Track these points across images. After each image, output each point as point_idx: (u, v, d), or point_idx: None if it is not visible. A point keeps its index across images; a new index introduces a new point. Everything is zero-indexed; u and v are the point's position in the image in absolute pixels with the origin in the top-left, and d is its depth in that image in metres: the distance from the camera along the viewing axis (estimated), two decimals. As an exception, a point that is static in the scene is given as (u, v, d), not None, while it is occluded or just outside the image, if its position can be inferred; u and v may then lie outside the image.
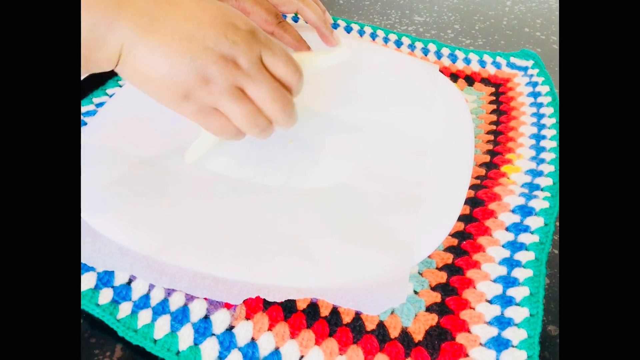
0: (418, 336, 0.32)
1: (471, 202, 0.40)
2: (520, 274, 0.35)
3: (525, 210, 0.39)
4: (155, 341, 0.32)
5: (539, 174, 0.43)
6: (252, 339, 0.32)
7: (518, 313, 0.33)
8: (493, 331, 0.32)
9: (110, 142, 0.42)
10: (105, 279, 0.35)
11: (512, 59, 0.56)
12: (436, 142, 0.43)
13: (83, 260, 0.34)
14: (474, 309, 0.34)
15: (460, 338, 0.32)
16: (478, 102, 0.51)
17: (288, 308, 0.33)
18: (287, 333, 0.32)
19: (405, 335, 0.32)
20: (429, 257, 0.36)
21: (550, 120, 0.48)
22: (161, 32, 0.30)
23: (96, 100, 0.50)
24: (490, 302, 0.34)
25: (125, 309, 0.33)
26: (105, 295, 0.34)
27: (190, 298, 0.34)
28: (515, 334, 0.32)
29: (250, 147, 0.43)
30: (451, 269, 0.36)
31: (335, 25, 0.61)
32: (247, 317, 0.33)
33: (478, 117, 0.49)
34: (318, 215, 0.38)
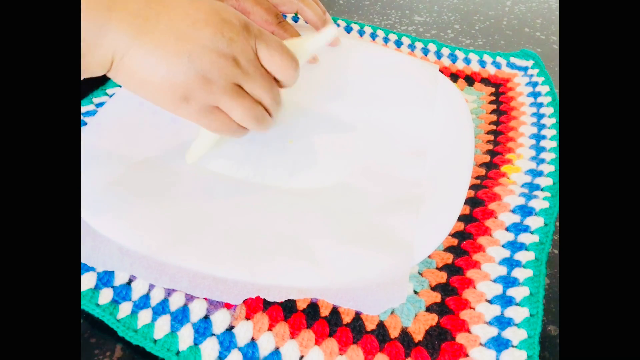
0: (418, 336, 0.32)
1: (471, 202, 0.40)
2: (520, 274, 0.35)
3: (525, 210, 0.39)
4: (155, 341, 0.32)
5: (539, 174, 0.43)
6: (252, 339, 0.32)
7: (518, 313, 0.33)
8: (493, 331, 0.32)
9: (110, 142, 0.42)
10: (105, 279, 0.35)
11: (512, 59, 0.56)
12: (436, 142, 0.43)
13: (83, 260, 0.34)
14: (474, 309, 0.34)
15: (460, 338, 0.32)
16: (478, 102, 0.51)
17: (288, 308, 0.33)
18: (287, 333, 0.32)
19: (405, 335, 0.32)
20: (429, 257, 0.36)
21: (550, 120, 0.48)
22: (155, 33, 0.30)
23: (96, 100, 0.50)
24: (490, 302, 0.34)
25: (125, 309, 0.33)
26: (105, 295, 0.34)
27: (190, 298, 0.34)
28: (515, 334, 0.32)
29: (250, 147, 0.43)
30: (451, 269, 0.36)
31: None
32: (247, 317, 0.33)
33: (478, 117, 0.49)
34: (318, 215, 0.38)
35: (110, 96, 0.49)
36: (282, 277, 0.33)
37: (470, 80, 0.54)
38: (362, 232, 0.36)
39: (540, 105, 0.50)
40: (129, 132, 0.43)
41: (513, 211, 0.40)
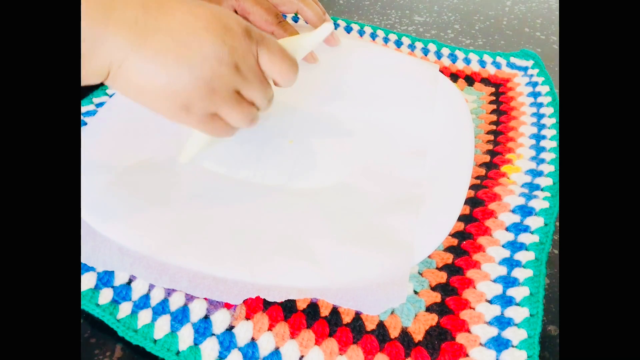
0: (418, 336, 0.32)
1: (471, 202, 0.40)
2: (520, 274, 0.35)
3: (525, 210, 0.39)
4: (155, 341, 0.32)
5: (539, 174, 0.43)
6: (252, 339, 0.32)
7: (518, 313, 0.33)
8: (493, 331, 0.32)
9: (110, 141, 0.42)
10: (105, 279, 0.35)
11: (512, 59, 0.56)
12: (436, 142, 0.43)
13: (83, 260, 0.34)
14: (474, 309, 0.34)
15: (460, 338, 0.32)
16: (478, 102, 0.51)
17: (288, 308, 0.33)
18: (287, 333, 0.32)
19: (405, 335, 0.32)
20: (429, 257, 0.36)
21: (550, 120, 0.48)
22: (154, 41, 0.29)
23: (96, 100, 0.50)
24: (490, 302, 0.34)
25: (125, 309, 0.33)
26: (105, 295, 0.34)
27: (190, 298, 0.34)
28: (515, 334, 0.32)
29: (250, 148, 0.43)
30: (451, 269, 0.36)
31: (335, 25, 0.61)
32: (247, 317, 0.33)
33: (478, 117, 0.49)
34: (318, 215, 0.38)
35: (110, 96, 0.49)
36: (282, 277, 0.33)
37: (470, 80, 0.54)
38: (362, 232, 0.36)
39: (540, 105, 0.50)
40: (129, 132, 0.43)
41: (513, 211, 0.40)
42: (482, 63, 0.56)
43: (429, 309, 0.34)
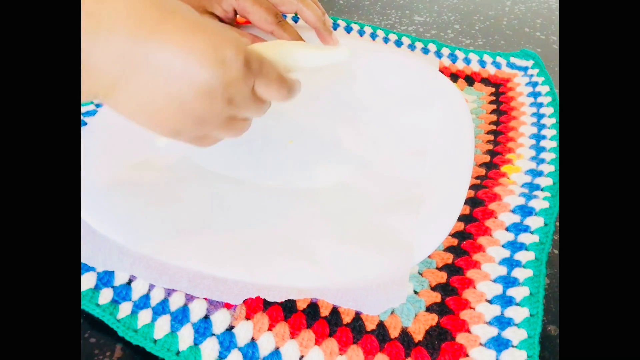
0: (418, 336, 0.32)
1: (471, 202, 0.40)
2: (520, 274, 0.35)
3: (525, 210, 0.39)
4: (155, 341, 0.32)
5: (539, 174, 0.43)
6: (252, 339, 0.32)
7: (518, 313, 0.33)
8: (493, 331, 0.32)
9: (110, 142, 0.42)
10: (105, 279, 0.35)
11: (512, 59, 0.56)
12: (436, 142, 0.43)
13: (83, 260, 0.34)
14: (474, 309, 0.34)
15: (460, 338, 0.32)
16: (478, 102, 0.51)
17: (288, 308, 0.33)
18: (287, 333, 0.32)
19: (405, 335, 0.32)
20: (429, 257, 0.36)
21: (550, 120, 0.48)
22: (142, 77, 0.26)
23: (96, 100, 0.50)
24: (490, 302, 0.34)
25: (125, 309, 0.33)
26: (105, 295, 0.34)
27: (190, 298, 0.34)
28: (515, 334, 0.32)
29: (250, 148, 0.43)
30: (451, 269, 0.36)
31: (335, 25, 0.61)
32: (247, 317, 0.33)
33: (478, 117, 0.49)
34: (318, 215, 0.38)
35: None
36: (282, 277, 0.33)
37: (470, 80, 0.54)
38: (362, 232, 0.36)
39: (540, 105, 0.50)
40: (128, 132, 0.43)
41: (513, 211, 0.40)
42: (482, 63, 0.56)
43: (429, 309, 0.34)
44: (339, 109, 0.47)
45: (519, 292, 0.34)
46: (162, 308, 0.33)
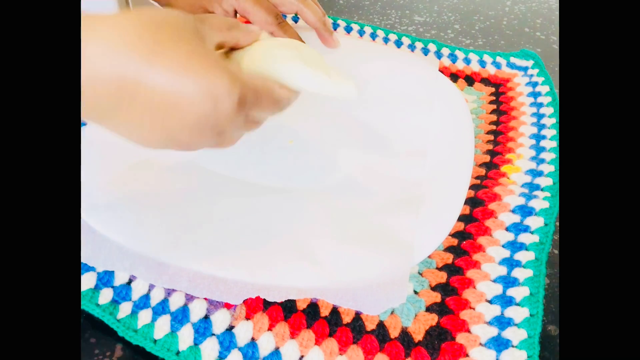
0: (418, 336, 0.32)
1: (471, 202, 0.40)
2: (520, 274, 0.35)
3: (525, 210, 0.39)
4: (155, 341, 0.32)
5: (539, 174, 0.43)
6: (252, 339, 0.32)
7: (518, 313, 0.33)
8: (493, 331, 0.32)
9: (110, 142, 0.42)
10: (105, 279, 0.35)
11: (512, 59, 0.56)
12: (436, 142, 0.43)
13: (83, 260, 0.34)
14: (474, 309, 0.34)
15: (460, 338, 0.32)
16: (478, 102, 0.51)
17: (288, 308, 0.33)
18: (287, 333, 0.32)
19: (405, 335, 0.32)
20: (429, 257, 0.36)
21: (550, 120, 0.48)
22: (131, 109, 0.26)
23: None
24: (490, 302, 0.34)
25: (125, 309, 0.33)
26: (105, 295, 0.34)
27: (190, 298, 0.34)
28: (515, 334, 0.32)
29: (250, 148, 0.43)
30: (451, 269, 0.36)
31: (335, 25, 0.61)
32: (247, 317, 0.33)
33: (478, 117, 0.49)
34: (318, 216, 0.38)
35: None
36: (282, 277, 0.33)
37: (470, 80, 0.54)
38: (362, 232, 0.36)
39: (540, 105, 0.50)
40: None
41: (513, 211, 0.40)
42: (482, 63, 0.56)
43: (429, 309, 0.34)
44: (339, 109, 0.47)
45: (519, 292, 0.34)
46: (162, 308, 0.33)
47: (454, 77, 0.55)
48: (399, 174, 0.41)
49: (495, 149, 0.45)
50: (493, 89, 0.53)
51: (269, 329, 0.32)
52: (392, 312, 0.33)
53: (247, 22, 0.51)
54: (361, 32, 0.60)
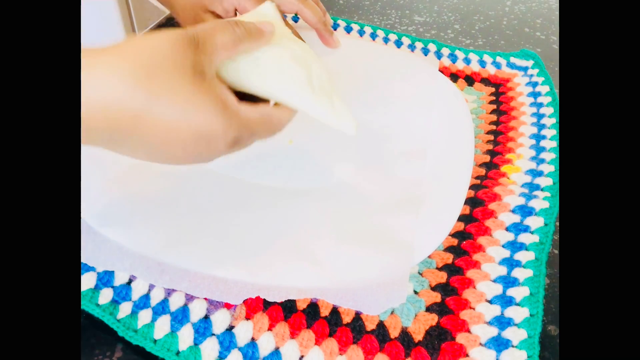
0: (418, 336, 0.32)
1: (471, 202, 0.40)
2: (520, 274, 0.35)
3: (525, 210, 0.39)
4: (155, 341, 0.32)
5: (539, 174, 0.43)
6: (252, 339, 0.32)
7: (518, 313, 0.33)
8: (493, 331, 0.32)
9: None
10: (105, 279, 0.35)
11: (512, 59, 0.56)
12: (436, 142, 0.43)
13: (83, 260, 0.34)
14: (474, 309, 0.34)
15: (460, 338, 0.32)
16: (478, 102, 0.51)
17: (288, 308, 0.33)
18: (287, 333, 0.32)
19: (405, 335, 0.32)
20: (429, 257, 0.36)
21: (550, 120, 0.48)
22: (129, 143, 0.27)
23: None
24: (490, 302, 0.34)
25: (125, 309, 0.33)
26: (105, 295, 0.34)
27: (190, 298, 0.34)
28: (515, 334, 0.32)
29: (250, 148, 0.43)
30: (451, 269, 0.36)
31: (335, 25, 0.61)
32: (247, 317, 0.33)
33: (478, 117, 0.49)
34: (318, 215, 0.38)
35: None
36: (282, 277, 0.33)
37: (470, 80, 0.54)
38: (362, 232, 0.36)
39: (540, 105, 0.50)
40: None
41: (513, 211, 0.40)
42: (482, 63, 0.56)
43: (429, 309, 0.34)
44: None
45: (519, 292, 0.34)
46: (162, 308, 0.33)
47: (454, 77, 0.55)
48: (399, 174, 0.41)
49: (495, 149, 0.45)
50: (493, 89, 0.53)
51: (269, 329, 0.32)
52: (392, 312, 0.33)
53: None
54: (361, 32, 0.60)
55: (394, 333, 0.32)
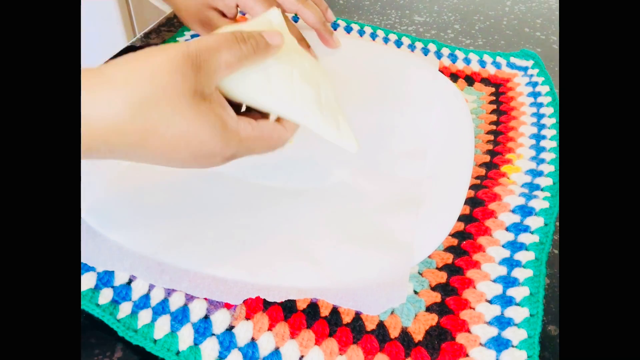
0: (418, 336, 0.32)
1: (471, 202, 0.40)
2: (520, 274, 0.35)
3: (525, 210, 0.39)
4: (155, 341, 0.32)
5: (539, 174, 0.43)
6: (252, 339, 0.32)
7: (518, 313, 0.33)
8: (493, 331, 0.32)
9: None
10: (105, 279, 0.35)
11: (512, 59, 0.56)
12: (436, 142, 0.43)
13: (83, 260, 0.34)
14: (474, 309, 0.34)
15: (460, 338, 0.32)
16: (478, 102, 0.51)
17: (288, 308, 0.33)
18: (287, 333, 0.32)
19: (405, 335, 0.32)
20: (429, 257, 0.36)
21: (550, 120, 0.48)
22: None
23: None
24: (490, 302, 0.34)
25: (125, 309, 0.33)
26: (105, 295, 0.34)
27: (190, 298, 0.34)
28: (515, 334, 0.32)
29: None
30: (451, 269, 0.36)
31: (335, 25, 0.61)
32: (247, 317, 0.33)
33: (478, 117, 0.49)
34: (318, 215, 0.38)
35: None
36: (282, 277, 0.33)
37: (470, 80, 0.54)
38: (362, 232, 0.36)
39: (540, 105, 0.50)
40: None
41: (513, 211, 0.40)
42: (482, 63, 0.56)
43: (429, 309, 0.34)
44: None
45: (519, 292, 0.34)
46: (162, 308, 0.33)
47: (454, 77, 0.55)
48: (399, 174, 0.41)
49: (495, 149, 0.45)
50: (493, 89, 0.53)
51: (269, 329, 0.32)
52: (392, 312, 0.33)
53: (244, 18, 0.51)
54: (361, 32, 0.60)
55: (394, 333, 0.32)
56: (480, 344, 0.32)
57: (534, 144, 0.46)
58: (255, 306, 0.33)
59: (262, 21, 0.34)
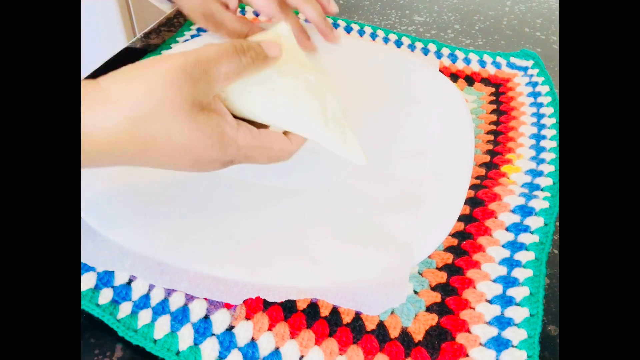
0: (418, 336, 0.32)
1: (471, 202, 0.40)
2: (520, 274, 0.35)
3: (525, 210, 0.39)
4: (155, 341, 0.32)
5: (539, 174, 0.43)
6: (252, 339, 0.32)
7: (518, 313, 0.33)
8: (493, 331, 0.32)
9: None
10: (105, 279, 0.35)
11: (512, 59, 0.56)
12: (436, 142, 0.43)
13: (83, 260, 0.34)
14: (474, 309, 0.34)
15: (460, 338, 0.32)
16: (478, 102, 0.51)
17: (288, 308, 0.33)
18: (287, 333, 0.32)
19: (405, 335, 0.32)
20: (429, 257, 0.36)
21: (550, 120, 0.48)
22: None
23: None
24: (490, 302, 0.34)
25: (125, 309, 0.33)
26: (105, 295, 0.34)
27: (190, 298, 0.34)
28: (515, 334, 0.32)
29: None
30: (451, 269, 0.36)
31: (335, 25, 0.61)
32: (247, 317, 0.33)
33: (478, 117, 0.49)
34: (318, 216, 0.38)
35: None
36: (282, 277, 0.33)
37: (470, 80, 0.54)
38: (362, 232, 0.36)
39: (540, 105, 0.50)
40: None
41: (513, 211, 0.40)
42: (482, 63, 0.56)
43: (429, 309, 0.34)
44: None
45: (519, 292, 0.34)
46: (162, 308, 0.33)
47: (454, 77, 0.55)
48: (399, 174, 0.41)
49: (495, 149, 0.45)
50: (493, 89, 0.53)
51: (269, 329, 0.32)
52: (392, 312, 0.33)
53: (255, 19, 0.51)
54: (361, 32, 0.60)
55: (394, 333, 0.32)
56: (480, 344, 0.32)
57: (534, 144, 0.46)
58: (255, 306, 0.33)
59: (270, 36, 0.34)
